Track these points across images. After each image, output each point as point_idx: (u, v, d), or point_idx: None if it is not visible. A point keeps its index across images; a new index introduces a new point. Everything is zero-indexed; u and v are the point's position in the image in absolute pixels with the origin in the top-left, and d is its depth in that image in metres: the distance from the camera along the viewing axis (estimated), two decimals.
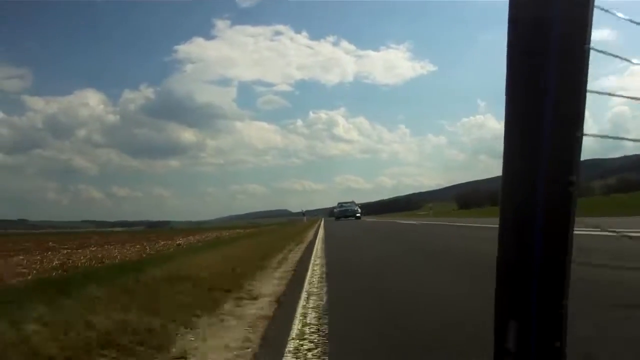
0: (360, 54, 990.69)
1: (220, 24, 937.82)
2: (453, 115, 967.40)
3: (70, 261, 9.61)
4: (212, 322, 3.00)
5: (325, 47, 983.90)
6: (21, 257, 11.38)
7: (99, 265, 8.55)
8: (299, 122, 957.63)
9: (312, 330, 2.66)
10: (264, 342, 2.57)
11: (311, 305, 3.37)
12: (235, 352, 2.39)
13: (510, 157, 0.68)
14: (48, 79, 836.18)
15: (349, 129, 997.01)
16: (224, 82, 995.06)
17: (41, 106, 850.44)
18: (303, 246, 10.30)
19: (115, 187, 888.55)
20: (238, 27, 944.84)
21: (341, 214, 42.76)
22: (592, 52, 0.63)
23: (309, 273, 5.24)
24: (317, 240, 11.52)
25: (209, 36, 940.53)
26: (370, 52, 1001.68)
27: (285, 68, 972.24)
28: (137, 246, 14.93)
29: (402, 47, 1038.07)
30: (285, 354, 2.24)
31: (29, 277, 6.60)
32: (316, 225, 27.06)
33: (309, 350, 2.28)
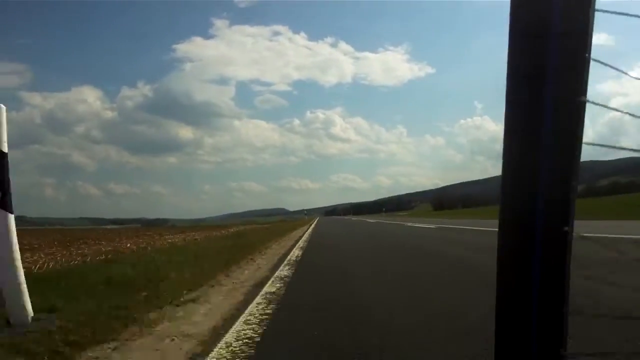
0: (358, 55, 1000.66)
1: (219, 23, 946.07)
2: (451, 117, 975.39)
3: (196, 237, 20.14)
4: (290, 233, 14.12)
5: (323, 48, 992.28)
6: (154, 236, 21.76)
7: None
8: (296, 121, 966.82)
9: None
10: (302, 234, 13.67)
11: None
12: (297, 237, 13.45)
13: (510, 160, 0.68)
14: (46, 75, 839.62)
15: (346, 129, 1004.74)
16: (223, 81, 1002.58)
17: (39, 102, 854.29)
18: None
19: (112, 184, 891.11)
20: (236, 27, 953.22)
21: None
22: (591, 60, 0.63)
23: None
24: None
25: (207, 35, 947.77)
26: (368, 54, 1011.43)
27: (283, 68, 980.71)
28: (206, 233, 25.12)
29: (400, 49, 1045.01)
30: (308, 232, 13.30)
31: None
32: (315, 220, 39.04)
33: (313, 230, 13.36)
